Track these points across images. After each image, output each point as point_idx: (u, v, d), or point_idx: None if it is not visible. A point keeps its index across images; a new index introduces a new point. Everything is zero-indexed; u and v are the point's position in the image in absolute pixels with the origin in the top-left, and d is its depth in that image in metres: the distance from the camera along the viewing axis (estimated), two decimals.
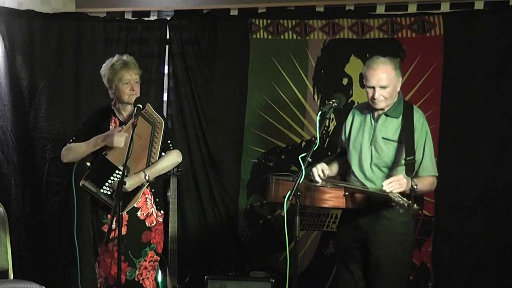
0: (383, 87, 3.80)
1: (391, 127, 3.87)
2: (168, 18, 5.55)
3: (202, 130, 5.40)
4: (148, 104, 4.18)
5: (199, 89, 5.45)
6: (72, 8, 5.73)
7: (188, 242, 5.30)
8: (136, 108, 4.06)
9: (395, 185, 3.64)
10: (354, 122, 3.99)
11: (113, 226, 4.11)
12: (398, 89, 3.88)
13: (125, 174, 4.09)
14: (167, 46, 5.53)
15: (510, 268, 4.79)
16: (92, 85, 5.51)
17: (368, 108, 3.94)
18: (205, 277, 4.94)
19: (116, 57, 4.30)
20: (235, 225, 5.40)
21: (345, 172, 4.05)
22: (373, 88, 3.80)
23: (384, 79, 3.79)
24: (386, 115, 3.88)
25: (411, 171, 3.72)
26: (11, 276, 4.47)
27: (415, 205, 3.48)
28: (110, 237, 4.05)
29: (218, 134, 5.42)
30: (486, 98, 4.87)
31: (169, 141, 4.31)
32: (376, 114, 3.91)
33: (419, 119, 3.86)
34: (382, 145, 3.85)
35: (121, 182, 3.90)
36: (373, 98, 3.82)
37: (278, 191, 3.85)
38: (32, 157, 5.47)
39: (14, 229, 5.27)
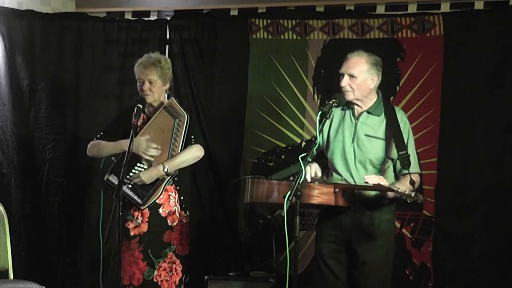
0: (351, 76, 3.80)
1: (373, 125, 3.86)
2: (168, 18, 5.55)
3: (202, 130, 5.39)
4: (173, 98, 4.31)
5: (199, 89, 5.45)
6: (72, 8, 5.73)
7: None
8: (136, 109, 4.09)
9: (377, 181, 3.64)
10: (333, 121, 3.94)
11: (133, 224, 4.22)
12: (372, 86, 3.85)
13: (129, 171, 4.18)
14: (167, 46, 5.53)
15: (510, 268, 4.79)
16: (92, 85, 5.53)
17: (346, 105, 3.91)
18: (205, 277, 4.94)
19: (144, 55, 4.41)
20: (235, 225, 5.40)
21: (321, 174, 3.99)
22: (342, 75, 3.83)
23: (353, 68, 3.80)
24: (368, 112, 3.87)
25: (407, 165, 3.71)
26: (11, 276, 4.47)
27: (420, 195, 3.50)
28: (131, 234, 4.20)
29: (218, 134, 5.41)
30: (486, 98, 4.87)
31: (192, 136, 4.31)
32: (356, 111, 3.90)
33: (401, 117, 3.87)
34: (366, 142, 3.83)
35: (121, 183, 3.90)
36: (340, 86, 3.83)
37: (256, 191, 3.77)
38: (32, 157, 5.47)
39: (14, 229, 5.27)
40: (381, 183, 3.62)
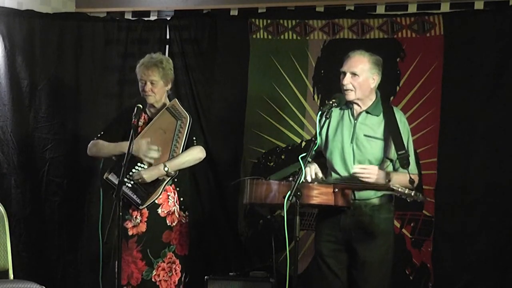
0: (353, 74, 3.80)
1: (372, 125, 3.86)
2: (168, 18, 5.55)
3: (202, 130, 5.39)
4: (175, 100, 4.31)
5: (199, 89, 5.45)
6: (72, 8, 5.74)
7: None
8: (136, 108, 4.09)
9: (365, 172, 3.66)
10: (332, 121, 3.93)
11: (131, 223, 4.22)
12: (372, 86, 3.86)
13: (129, 171, 4.18)
14: (167, 46, 5.53)
15: (510, 268, 4.79)
16: (92, 85, 5.53)
17: (345, 104, 3.91)
18: (205, 277, 4.94)
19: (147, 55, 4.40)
20: (235, 225, 5.40)
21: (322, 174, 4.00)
22: (344, 73, 3.83)
23: (355, 66, 3.80)
24: (367, 112, 3.87)
25: (406, 164, 3.71)
26: (11, 276, 4.46)
27: (420, 194, 3.50)
28: (130, 234, 4.19)
29: (218, 134, 5.41)
30: (486, 98, 4.87)
31: (194, 138, 4.32)
32: (355, 111, 3.90)
33: (400, 118, 3.87)
34: (365, 142, 3.83)
35: (121, 183, 3.90)
36: (342, 84, 3.83)
37: (255, 191, 3.79)
38: (32, 157, 5.47)
39: (14, 229, 5.27)
40: (372, 176, 3.63)
